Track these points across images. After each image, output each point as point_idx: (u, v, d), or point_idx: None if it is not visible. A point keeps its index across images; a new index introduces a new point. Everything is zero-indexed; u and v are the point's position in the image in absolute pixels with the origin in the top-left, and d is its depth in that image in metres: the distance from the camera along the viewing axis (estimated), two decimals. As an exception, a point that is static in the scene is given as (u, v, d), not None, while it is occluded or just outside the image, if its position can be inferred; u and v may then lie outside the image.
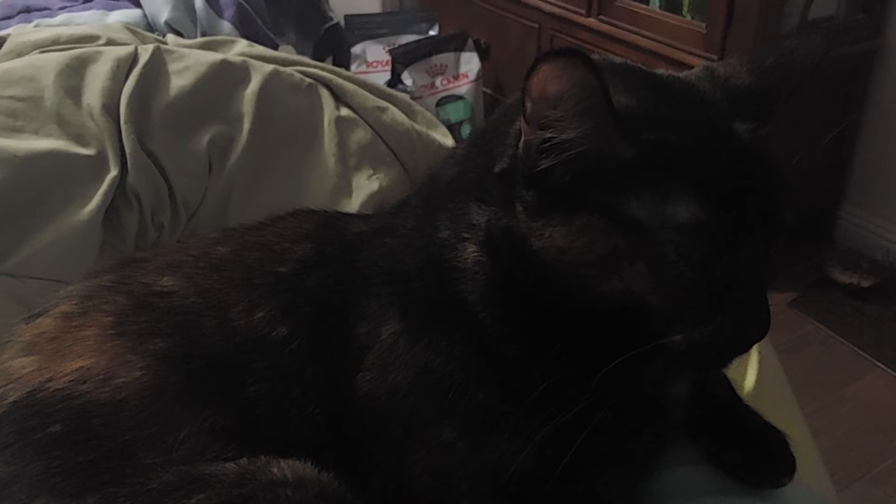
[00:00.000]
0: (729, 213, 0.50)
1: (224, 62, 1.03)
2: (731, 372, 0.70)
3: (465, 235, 0.57)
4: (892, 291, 2.13)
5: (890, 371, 1.89)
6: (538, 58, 0.47)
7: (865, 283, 2.12)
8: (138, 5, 1.47)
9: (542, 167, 0.51)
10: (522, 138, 0.52)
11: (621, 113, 0.49)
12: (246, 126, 0.99)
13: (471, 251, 0.56)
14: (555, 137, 0.50)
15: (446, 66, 2.53)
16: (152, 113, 0.94)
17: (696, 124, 0.52)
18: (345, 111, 1.08)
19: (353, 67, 2.59)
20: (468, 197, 0.57)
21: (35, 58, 0.99)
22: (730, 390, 0.69)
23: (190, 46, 1.09)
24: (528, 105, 0.50)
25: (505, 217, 0.54)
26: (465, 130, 2.53)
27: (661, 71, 0.58)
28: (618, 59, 0.58)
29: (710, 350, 0.52)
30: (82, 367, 0.55)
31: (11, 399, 0.55)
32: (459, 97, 2.55)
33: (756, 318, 0.52)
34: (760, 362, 0.76)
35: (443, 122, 2.52)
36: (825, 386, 1.86)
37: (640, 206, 0.49)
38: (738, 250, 0.50)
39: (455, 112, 2.55)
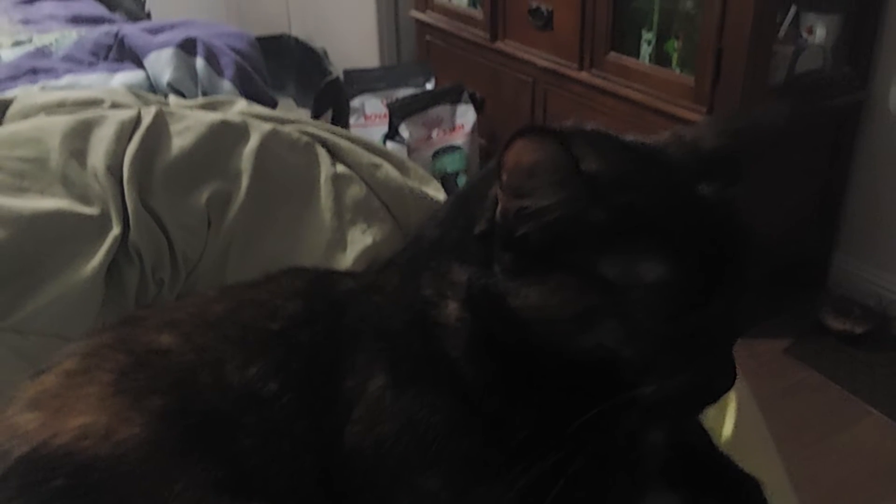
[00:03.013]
0: (695, 273, 0.52)
1: (224, 122, 1.06)
2: (710, 420, 0.72)
3: (447, 293, 0.59)
4: (884, 338, 2.15)
5: (884, 417, 1.90)
6: (513, 134, 0.50)
7: (859, 330, 2.15)
8: (141, 67, 1.51)
9: (518, 231, 0.54)
10: (500, 206, 0.55)
11: (592, 179, 0.52)
12: (244, 183, 1.01)
13: (452, 308, 0.59)
14: (531, 206, 0.53)
15: (442, 118, 2.59)
16: (154, 172, 0.97)
17: (663, 188, 0.55)
18: (340, 168, 1.11)
19: (351, 120, 2.64)
20: (450, 256, 0.60)
21: (42, 120, 1.02)
22: (706, 438, 0.71)
23: (191, 107, 1.12)
24: (505, 176, 0.53)
25: (484, 276, 0.57)
26: (462, 180, 2.58)
27: (630, 137, 0.61)
28: (590, 126, 0.61)
29: (681, 401, 0.55)
30: (84, 423, 0.57)
31: (17, 454, 0.56)
32: (456, 148, 2.60)
33: (723, 371, 0.55)
34: (738, 410, 0.78)
35: (440, 172, 2.58)
36: (820, 432, 1.87)
37: (610, 266, 0.52)
38: (704, 307, 0.53)
39: (451, 163, 2.59)
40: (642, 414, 0.56)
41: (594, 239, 0.53)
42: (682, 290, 0.52)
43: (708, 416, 0.68)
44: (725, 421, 0.77)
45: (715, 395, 0.57)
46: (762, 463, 0.72)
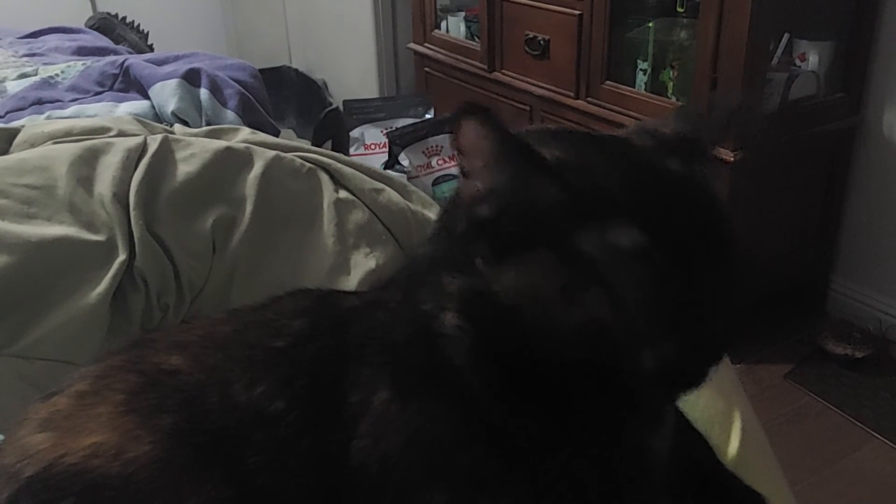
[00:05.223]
0: (671, 236, 0.53)
1: (228, 149, 1.07)
2: (715, 439, 0.73)
3: (445, 304, 0.60)
4: (885, 362, 2.16)
5: (887, 442, 1.90)
6: (455, 113, 0.52)
7: (859, 354, 2.15)
8: (146, 97, 1.52)
9: (483, 215, 0.55)
10: (460, 190, 0.57)
11: (553, 163, 0.54)
12: (248, 208, 1.03)
13: (450, 318, 0.60)
14: (483, 186, 0.55)
15: (442, 146, 2.60)
16: (160, 198, 0.99)
17: (628, 164, 0.56)
18: (343, 194, 1.13)
19: (351, 150, 2.67)
20: (442, 269, 0.61)
21: (49, 148, 1.04)
22: (711, 455, 0.71)
23: (196, 135, 1.14)
24: (459, 159, 0.55)
25: (470, 276, 0.58)
26: (462, 208, 2.59)
27: (596, 131, 0.63)
28: (553, 126, 0.63)
29: (683, 363, 0.55)
30: (95, 442, 0.58)
31: (28, 474, 0.57)
32: (455, 176, 2.61)
33: (721, 325, 0.55)
34: (743, 429, 0.78)
35: (440, 199, 2.59)
36: (823, 458, 1.87)
37: (582, 239, 0.53)
38: (686, 267, 0.53)
39: (451, 190, 2.61)
40: (647, 392, 0.56)
41: (561, 216, 0.54)
42: (658, 252, 0.52)
43: (713, 435, 0.69)
44: (730, 439, 0.77)
45: (717, 352, 0.56)
46: (767, 480, 0.72)
